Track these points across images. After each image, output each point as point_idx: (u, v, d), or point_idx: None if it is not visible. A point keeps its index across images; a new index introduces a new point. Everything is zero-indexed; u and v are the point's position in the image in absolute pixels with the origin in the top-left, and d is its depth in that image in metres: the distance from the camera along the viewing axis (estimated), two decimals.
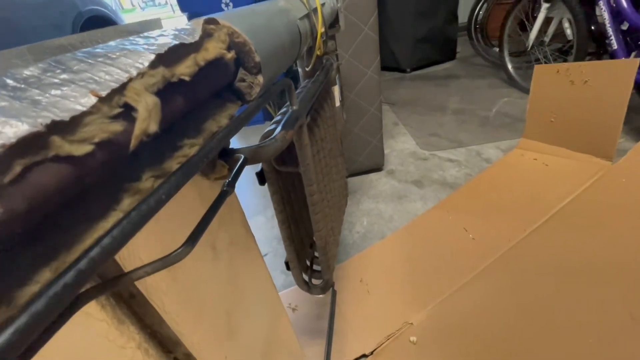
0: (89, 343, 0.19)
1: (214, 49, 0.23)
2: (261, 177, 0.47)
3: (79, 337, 0.19)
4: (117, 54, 0.17)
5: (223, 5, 1.58)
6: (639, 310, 0.52)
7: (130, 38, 0.20)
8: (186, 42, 0.20)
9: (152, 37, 0.20)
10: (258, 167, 0.50)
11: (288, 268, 0.57)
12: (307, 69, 0.56)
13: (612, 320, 0.54)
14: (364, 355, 0.68)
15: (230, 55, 0.25)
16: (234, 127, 0.24)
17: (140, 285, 0.22)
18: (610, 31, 1.37)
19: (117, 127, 0.15)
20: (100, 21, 2.02)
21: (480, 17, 2.23)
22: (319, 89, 0.49)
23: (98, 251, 0.13)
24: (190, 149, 0.22)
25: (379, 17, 1.02)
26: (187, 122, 0.23)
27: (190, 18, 1.66)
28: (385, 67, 2.57)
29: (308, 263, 0.62)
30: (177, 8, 1.80)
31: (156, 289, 0.23)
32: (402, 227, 0.98)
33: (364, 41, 1.02)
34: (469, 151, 1.38)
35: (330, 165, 0.60)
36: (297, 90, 0.50)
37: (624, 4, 1.32)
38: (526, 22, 1.82)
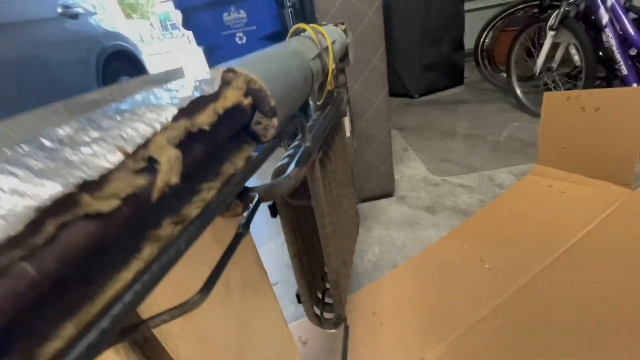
0: None
1: (232, 97, 0.24)
2: (273, 210, 0.47)
3: None
4: (143, 109, 0.18)
5: (237, 39, 1.66)
6: None
7: (155, 91, 0.21)
8: (206, 93, 0.22)
9: (175, 90, 0.22)
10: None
11: (299, 301, 0.56)
12: (318, 104, 0.58)
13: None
14: None
15: (247, 101, 0.26)
16: (250, 169, 0.25)
17: (156, 330, 0.22)
18: (618, 57, 1.38)
19: (141, 181, 0.16)
20: (123, 55, 2.13)
21: (486, 43, 2.28)
22: (331, 123, 0.50)
23: (120, 308, 0.13)
24: (208, 192, 0.23)
25: (386, 43, 1.06)
26: (205, 166, 0.23)
27: (205, 51, 1.74)
28: (393, 93, 2.61)
29: (320, 296, 0.61)
30: (192, 39, 1.89)
31: (170, 333, 0.23)
32: (414, 256, 0.96)
33: (373, 72, 1.05)
34: (481, 176, 1.37)
35: (341, 196, 0.60)
36: (309, 124, 0.51)
37: (630, 30, 1.33)
38: (532, 49, 1.85)
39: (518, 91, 1.91)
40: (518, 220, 0.88)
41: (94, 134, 0.16)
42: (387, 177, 1.25)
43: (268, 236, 1.22)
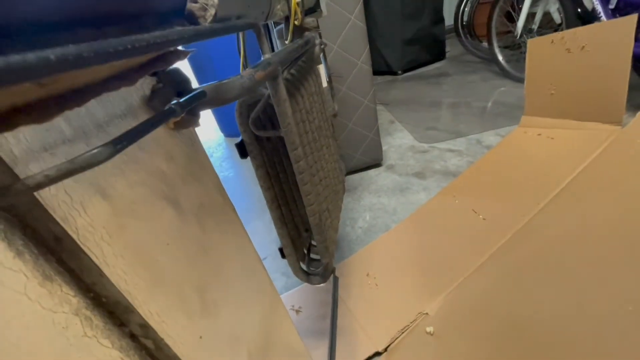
0: None
1: None
2: (242, 149, 0.43)
3: None
4: None
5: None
6: None
7: None
8: None
9: None
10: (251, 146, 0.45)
11: (283, 256, 0.52)
12: (286, 42, 0.53)
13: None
14: (377, 354, 0.61)
15: None
16: (184, 37, 0.20)
17: (68, 225, 0.18)
18: (599, 10, 1.35)
19: None
20: None
21: (465, 14, 2.25)
22: (299, 52, 0.45)
23: None
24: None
25: (366, 19, 1.01)
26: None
27: None
28: (377, 72, 2.57)
29: (305, 251, 0.56)
30: None
31: (93, 234, 0.19)
32: (407, 218, 0.93)
33: (352, 30, 1.00)
34: (468, 140, 1.34)
35: (320, 143, 0.56)
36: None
37: None
38: (513, 13, 1.82)
39: (500, 58, 1.88)
40: (509, 171, 0.85)
41: None
42: (375, 145, 1.21)
43: (256, 214, 1.18)
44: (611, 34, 0.73)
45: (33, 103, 0.16)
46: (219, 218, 0.32)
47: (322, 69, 0.66)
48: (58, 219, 0.17)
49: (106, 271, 0.19)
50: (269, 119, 0.43)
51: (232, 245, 0.34)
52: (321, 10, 0.69)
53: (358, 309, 0.69)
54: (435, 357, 0.56)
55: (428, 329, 0.59)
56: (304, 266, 0.54)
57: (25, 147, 0.16)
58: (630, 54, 0.70)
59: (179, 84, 0.26)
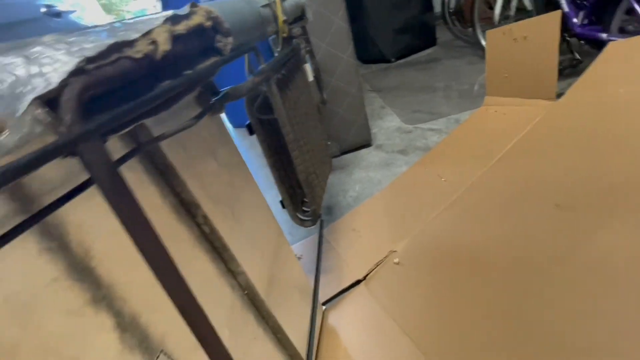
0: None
1: (197, 19, 0.39)
2: (250, 129, 0.62)
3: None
4: (145, 19, 0.33)
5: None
6: (564, 199, 0.64)
7: (149, 14, 0.36)
8: (180, 14, 0.36)
9: (160, 15, 0.36)
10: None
11: (283, 206, 0.71)
12: (278, 50, 0.72)
13: (547, 215, 0.65)
14: (358, 281, 0.81)
15: (208, 23, 0.40)
16: (217, 66, 0.40)
17: (173, 159, 0.37)
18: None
19: (151, 47, 0.31)
20: None
21: (452, 1, 2.38)
22: (285, 59, 0.64)
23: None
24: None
25: (357, 11, 1.18)
26: (186, 61, 0.38)
27: None
28: (371, 60, 2.73)
29: (300, 204, 0.76)
30: None
31: (188, 167, 0.39)
32: (387, 186, 1.12)
33: (337, 31, 1.18)
34: (448, 120, 1.51)
35: (307, 125, 0.75)
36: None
37: None
38: (491, 1, 1.96)
39: (483, 42, 2.02)
40: (469, 143, 1.03)
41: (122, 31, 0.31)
42: (363, 128, 1.39)
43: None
44: (544, 26, 0.89)
45: None
46: (238, 171, 0.51)
47: (307, 67, 0.84)
48: (167, 155, 0.37)
49: (190, 184, 0.39)
50: (267, 107, 0.63)
51: (247, 188, 0.54)
52: (307, 18, 0.87)
53: (345, 252, 0.89)
54: (402, 280, 0.76)
55: (395, 260, 0.79)
56: (299, 215, 0.74)
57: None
58: (558, 41, 0.86)
59: (212, 88, 0.46)
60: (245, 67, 0.59)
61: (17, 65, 0.21)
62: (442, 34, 2.91)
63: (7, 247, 0.22)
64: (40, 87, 0.21)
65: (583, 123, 0.75)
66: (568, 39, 1.25)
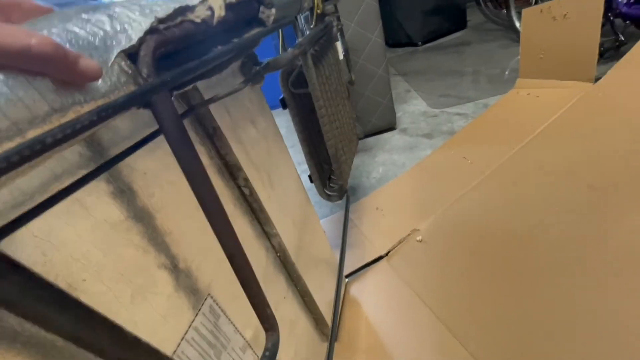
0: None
1: None
2: (283, 103, 0.64)
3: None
4: None
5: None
6: (597, 181, 0.63)
7: None
8: None
9: None
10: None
11: (311, 181, 0.74)
12: (312, 26, 0.73)
13: (579, 196, 0.65)
14: (380, 257, 0.84)
15: None
16: (260, 36, 0.41)
17: (221, 122, 0.40)
18: None
19: (208, 13, 0.33)
20: None
21: None
22: (320, 34, 0.65)
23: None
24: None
25: None
26: (235, 28, 0.40)
27: None
28: (397, 44, 2.67)
29: (327, 181, 0.79)
30: None
31: (233, 128, 0.41)
32: (412, 167, 1.12)
33: (366, 10, 1.17)
34: (476, 105, 1.48)
35: (337, 101, 0.76)
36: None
37: None
38: None
39: (517, 25, 1.94)
40: (498, 125, 1.01)
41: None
42: (388, 110, 1.39)
43: None
44: (586, 4, 0.85)
45: None
46: (275, 141, 0.54)
47: (339, 45, 0.85)
48: (216, 119, 0.39)
49: (234, 148, 0.42)
50: (301, 81, 0.64)
51: (282, 158, 0.56)
52: None
53: (368, 230, 0.91)
54: (424, 257, 0.78)
55: (418, 238, 0.80)
56: (326, 190, 0.76)
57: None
58: (601, 19, 0.82)
59: (254, 58, 0.48)
60: (276, 43, 0.61)
61: (104, 23, 0.23)
62: (474, 16, 2.80)
63: (85, 188, 0.25)
64: (123, 42, 0.24)
65: (622, 105, 0.72)
66: (612, 18, 1.19)
